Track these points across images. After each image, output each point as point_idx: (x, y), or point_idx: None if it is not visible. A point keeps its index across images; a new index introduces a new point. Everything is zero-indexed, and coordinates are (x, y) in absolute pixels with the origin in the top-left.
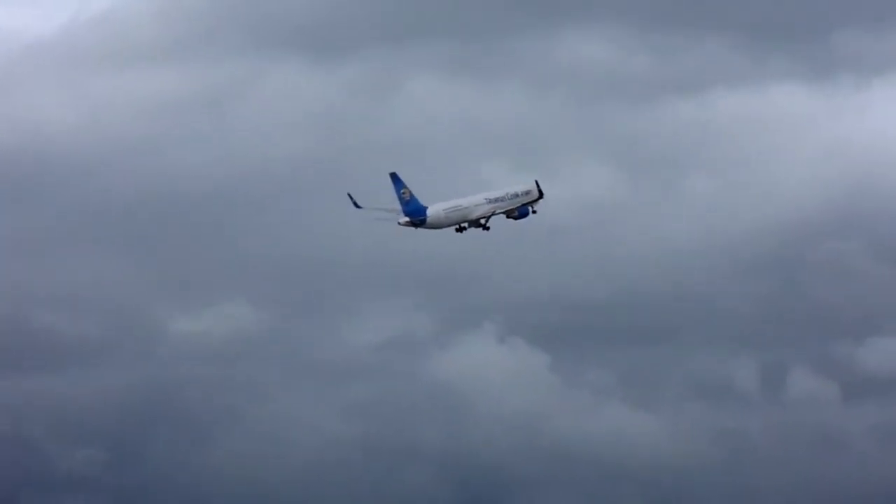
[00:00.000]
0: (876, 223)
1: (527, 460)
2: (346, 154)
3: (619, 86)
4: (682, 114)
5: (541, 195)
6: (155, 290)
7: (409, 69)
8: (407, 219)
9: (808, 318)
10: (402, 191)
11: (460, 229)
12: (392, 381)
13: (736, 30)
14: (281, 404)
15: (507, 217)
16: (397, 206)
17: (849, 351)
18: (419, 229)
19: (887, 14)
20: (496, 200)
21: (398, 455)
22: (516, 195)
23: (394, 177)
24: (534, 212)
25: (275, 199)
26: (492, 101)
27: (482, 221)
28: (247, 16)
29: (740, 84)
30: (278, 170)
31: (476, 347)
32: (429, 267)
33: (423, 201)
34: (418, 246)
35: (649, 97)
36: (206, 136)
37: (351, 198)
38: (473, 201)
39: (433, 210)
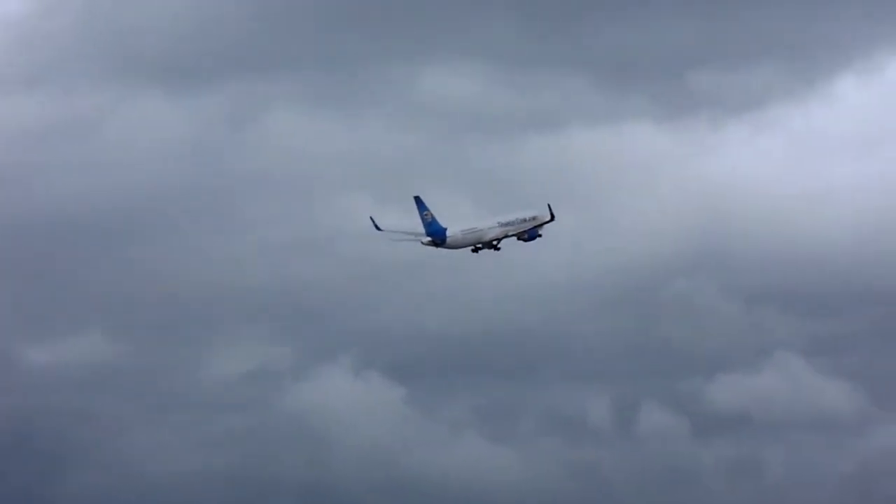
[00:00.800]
0: (727, 262)
1: (384, 493)
2: (207, 185)
3: (480, 121)
4: (541, 150)
5: (552, 218)
6: (10, 320)
7: (270, 100)
8: (430, 239)
9: (660, 355)
10: (424, 213)
11: (475, 249)
12: (250, 413)
13: (594, 68)
14: (138, 437)
15: (518, 239)
16: (418, 228)
17: (698, 387)
18: (439, 249)
19: (742, 55)
20: (507, 224)
21: (257, 487)
22: (524, 220)
23: (417, 200)
24: (539, 235)
25: (135, 228)
26: (354, 134)
27: (494, 243)
28: (108, 45)
29: (598, 122)
30: (138, 200)
31: (332, 380)
32: (288, 298)
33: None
34: (275, 277)
35: (510, 133)
36: (65, 166)
37: (373, 220)
38: (487, 224)
39: (452, 232)
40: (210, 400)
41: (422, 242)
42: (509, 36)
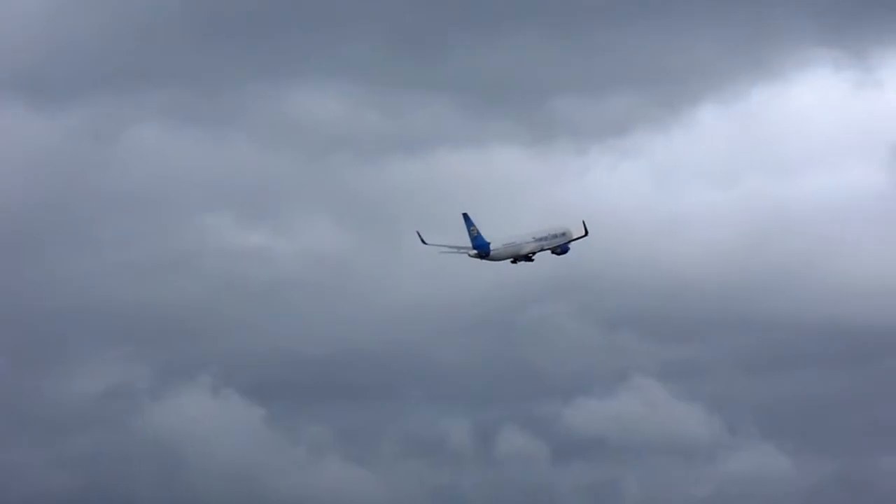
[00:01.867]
0: (587, 286)
1: None
2: (69, 201)
3: (347, 142)
4: (408, 172)
5: (586, 234)
6: None
7: (136, 116)
8: (476, 252)
9: (520, 378)
10: (471, 228)
11: (515, 261)
12: (107, 432)
13: (460, 91)
14: None
15: (552, 253)
16: (464, 242)
17: (557, 410)
18: (484, 261)
19: (605, 81)
20: (541, 239)
21: None
22: (556, 235)
23: (465, 217)
24: (569, 249)
25: None
26: (220, 153)
27: (531, 256)
28: None
29: (463, 145)
30: None
31: (190, 399)
32: (147, 317)
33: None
34: (135, 295)
35: (377, 155)
36: None
37: (419, 235)
38: (524, 239)
39: (494, 245)
40: (65, 419)
41: (468, 255)
42: (376, 57)
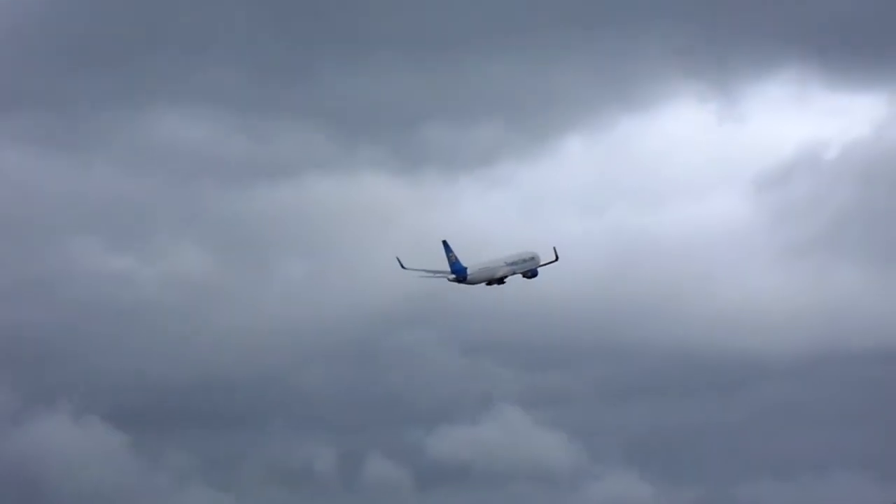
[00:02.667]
0: (453, 314)
1: None
2: None
3: (215, 167)
4: (276, 198)
5: (556, 259)
6: None
7: None
8: (454, 276)
9: (384, 405)
10: (450, 255)
11: (489, 283)
12: None
13: (329, 118)
14: None
15: (523, 276)
16: (441, 267)
17: (421, 438)
18: (461, 284)
19: (473, 110)
20: (513, 263)
21: None
22: (525, 260)
23: (445, 244)
24: (537, 274)
25: None
26: (85, 177)
27: (503, 279)
28: None
29: (333, 171)
30: None
31: (51, 426)
32: (7, 342)
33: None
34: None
35: (245, 180)
36: None
37: (398, 260)
38: (497, 264)
39: (471, 270)
40: None
41: (448, 279)
42: (244, 82)
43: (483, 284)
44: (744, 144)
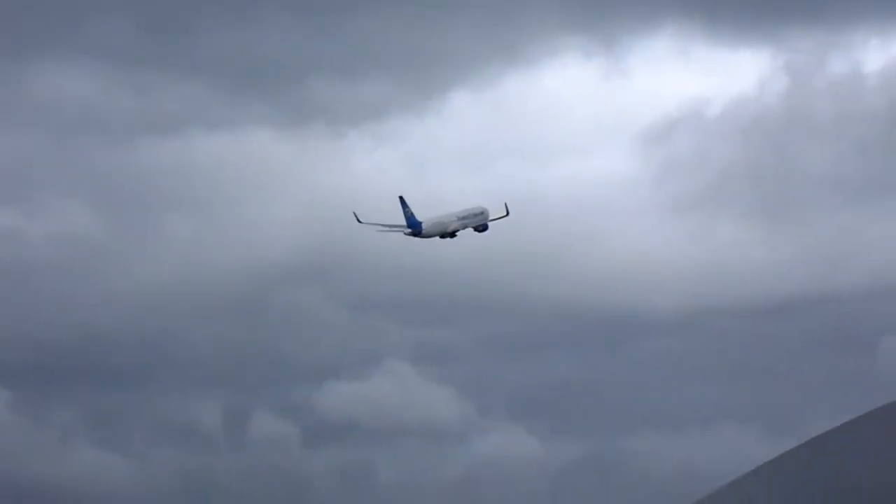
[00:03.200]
0: (341, 270)
1: None
2: None
3: (98, 123)
4: (160, 154)
5: (507, 214)
6: None
7: None
8: (410, 230)
9: (270, 363)
10: (406, 210)
11: (443, 237)
12: None
13: (213, 73)
14: None
15: (474, 230)
16: (398, 221)
17: (308, 395)
18: (416, 238)
19: (359, 66)
20: (464, 218)
21: None
22: (475, 214)
23: (401, 199)
24: (487, 227)
25: None
26: None
27: (454, 233)
28: None
29: (218, 127)
30: None
31: None
32: None
33: None
34: None
35: (129, 136)
36: None
37: (355, 215)
38: (450, 218)
39: (425, 224)
40: None
41: (404, 233)
42: (126, 36)
43: (437, 238)
44: (629, 100)
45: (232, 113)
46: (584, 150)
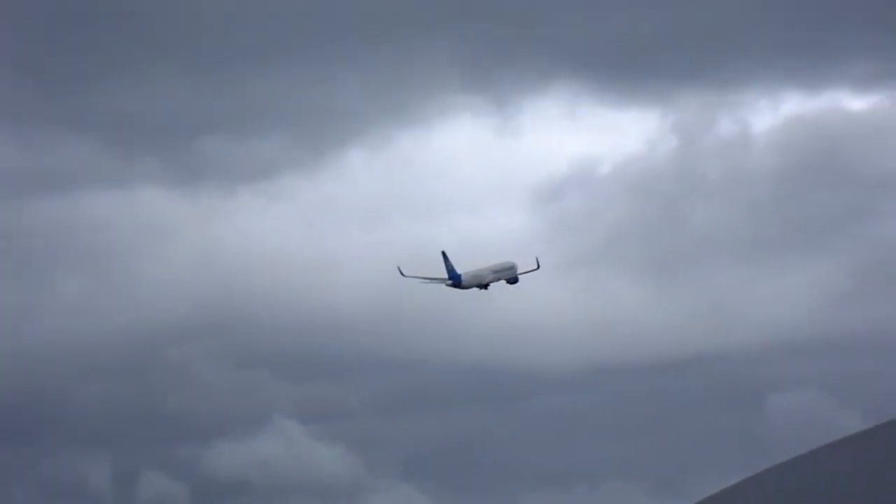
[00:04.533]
0: (232, 328)
1: None
2: None
3: None
4: (51, 211)
5: (538, 267)
6: None
7: None
8: (451, 282)
9: (159, 421)
10: (448, 263)
11: (480, 288)
12: None
13: (104, 130)
14: None
15: (507, 282)
16: (440, 274)
17: (197, 453)
18: (456, 289)
19: (251, 123)
20: (498, 271)
21: None
22: (507, 269)
23: (444, 254)
24: (518, 280)
25: None
26: None
27: (488, 285)
28: None
29: (109, 184)
30: None
31: None
32: None
33: None
34: None
35: (18, 193)
36: None
37: (399, 269)
38: (485, 272)
39: (464, 277)
40: None
41: (445, 285)
42: (16, 91)
43: (475, 289)
44: (520, 159)
45: (123, 170)
46: (477, 208)
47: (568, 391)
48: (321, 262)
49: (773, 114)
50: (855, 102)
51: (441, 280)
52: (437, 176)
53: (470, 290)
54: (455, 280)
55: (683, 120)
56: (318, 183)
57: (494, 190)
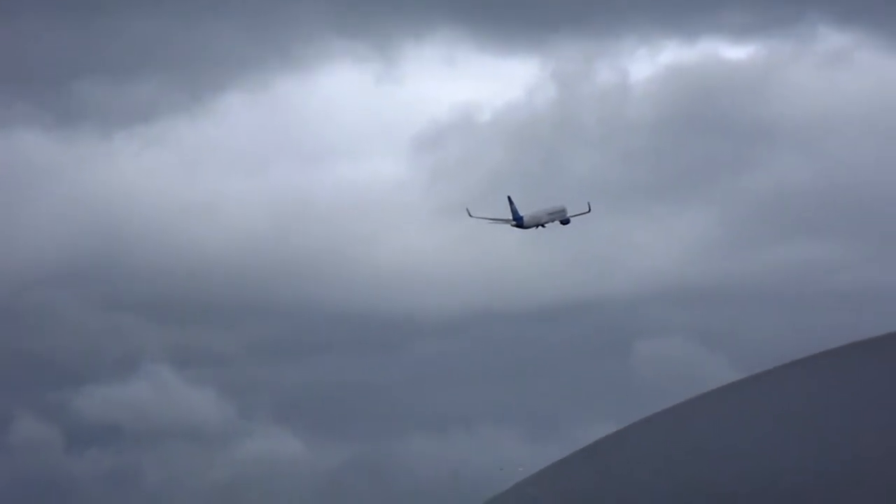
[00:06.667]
0: (107, 272)
1: None
2: None
3: None
4: None
5: (589, 210)
6: None
7: None
8: (515, 222)
9: (30, 366)
10: (512, 206)
11: (538, 226)
12: None
13: None
14: None
15: (560, 223)
16: (506, 215)
17: (69, 398)
18: (518, 228)
19: (128, 67)
20: (552, 213)
21: None
22: (559, 211)
23: (509, 198)
24: (569, 221)
25: None
26: None
27: (546, 224)
28: None
29: None
30: None
31: None
32: None
33: None
34: None
35: None
36: None
37: (467, 210)
38: (541, 213)
39: (526, 218)
40: None
41: (510, 225)
42: None
43: (533, 228)
44: (401, 106)
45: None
46: (358, 153)
47: (447, 337)
48: (199, 207)
49: (650, 63)
50: (732, 52)
51: (506, 221)
52: (318, 121)
53: (530, 229)
54: (518, 221)
55: (562, 68)
56: (196, 126)
57: (376, 136)
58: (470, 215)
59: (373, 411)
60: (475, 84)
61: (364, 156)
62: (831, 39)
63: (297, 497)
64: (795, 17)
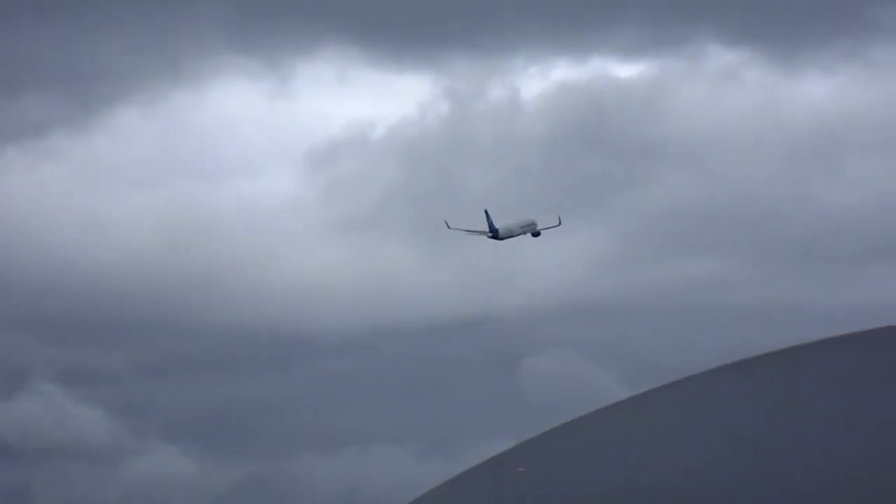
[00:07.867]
0: None
1: None
2: None
3: None
4: None
5: (559, 223)
6: None
7: None
8: (491, 234)
9: None
10: (489, 219)
11: (511, 237)
12: None
13: None
14: None
15: (531, 235)
16: (480, 227)
17: None
18: (493, 240)
19: (18, 81)
20: (524, 226)
21: None
22: (530, 223)
23: (486, 212)
24: (539, 234)
25: None
26: None
27: (518, 236)
28: None
29: None
30: None
31: None
32: None
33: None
34: None
35: None
36: None
37: (446, 222)
38: (515, 226)
39: (501, 230)
40: None
41: (487, 236)
42: None
43: (509, 239)
44: (295, 122)
45: None
46: (252, 169)
47: (341, 355)
48: (91, 222)
49: (542, 80)
50: (622, 70)
51: (482, 233)
52: (213, 137)
53: (506, 240)
54: (494, 233)
55: (455, 85)
56: (88, 142)
57: (270, 152)
58: (448, 227)
59: (266, 430)
60: (368, 100)
61: (258, 172)
62: (721, 58)
63: None
64: (686, 36)
